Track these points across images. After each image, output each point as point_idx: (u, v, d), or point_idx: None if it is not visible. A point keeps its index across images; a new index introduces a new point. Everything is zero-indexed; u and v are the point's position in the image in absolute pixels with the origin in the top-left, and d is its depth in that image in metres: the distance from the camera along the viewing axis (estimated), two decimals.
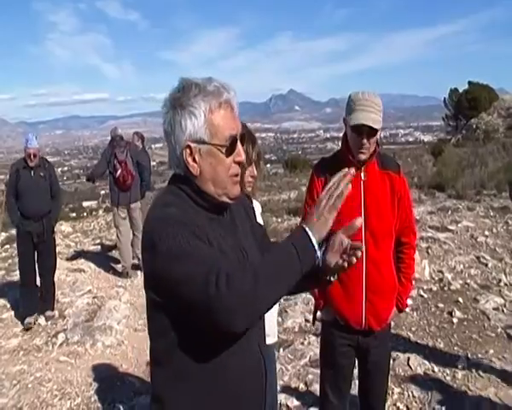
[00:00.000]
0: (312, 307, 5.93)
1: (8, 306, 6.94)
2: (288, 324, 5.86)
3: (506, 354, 4.84)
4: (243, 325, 1.47)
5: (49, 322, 6.48)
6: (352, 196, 2.64)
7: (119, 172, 7.98)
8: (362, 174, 2.75)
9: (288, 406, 4.25)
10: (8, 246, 10.40)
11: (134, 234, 8.51)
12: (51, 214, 6.44)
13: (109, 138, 8.42)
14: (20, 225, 6.28)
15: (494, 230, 8.99)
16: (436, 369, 4.64)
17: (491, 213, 10.15)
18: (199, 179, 1.64)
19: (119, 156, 7.98)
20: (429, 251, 7.81)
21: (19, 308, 6.57)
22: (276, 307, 3.34)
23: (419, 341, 5.25)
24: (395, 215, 2.83)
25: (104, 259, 9.35)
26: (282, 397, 4.26)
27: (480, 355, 4.85)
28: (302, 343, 5.34)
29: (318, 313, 3.12)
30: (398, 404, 4.19)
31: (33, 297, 6.43)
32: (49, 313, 6.58)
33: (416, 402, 4.21)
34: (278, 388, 3.96)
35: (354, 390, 3.24)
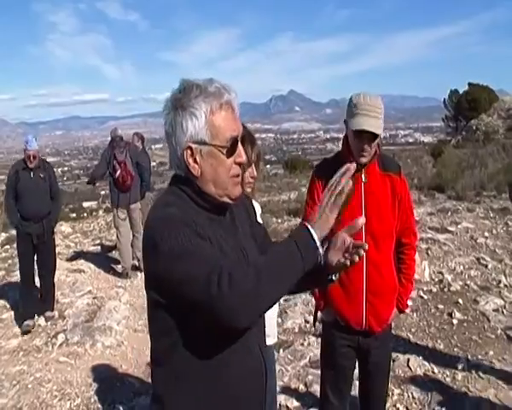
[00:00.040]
0: (312, 308, 5.95)
1: (8, 306, 6.94)
2: (288, 324, 5.86)
3: (506, 355, 4.85)
4: (246, 323, 1.49)
5: (49, 322, 6.47)
6: (352, 198, 2.64)
7: (118, 172, 7.96)
8: (362, 176, 2.75)
9: (287, 407, 4.26)
10: (8, 246, 10.39)
11: (134, 235, 8.50)
12: (51, 216, 6.42)
13: (109, 139, 8.40)
14: (19, 226, 6.26)
15: (494, 231, 8.99)
16: (436, 370, 4.64)
17: (491, 215, 10.15)
18: (200, 180, 1.65)
19: (118, 157, 7.96)
20: (429, 252, 7.81)
21: (19, 309, 6.56)
22: (276, 308, 3.35)
23: (419, 342, 5.25)
24: (396, 217, 2.83)
25: (104, 259, 9.34)
26: (281, 398, 4.26)
27: (479, 357, 4.86)
28: (302, 344, 5.35)
29: (319, 314, 3.13)
30: (398, 405, 4.19)
31: (33, 299, 6.43)
32: (48, 313, 6.57)
33: (415, 403, 4.21)
34: (278, 389, 3.96)
35: (354, 391, 3.24)
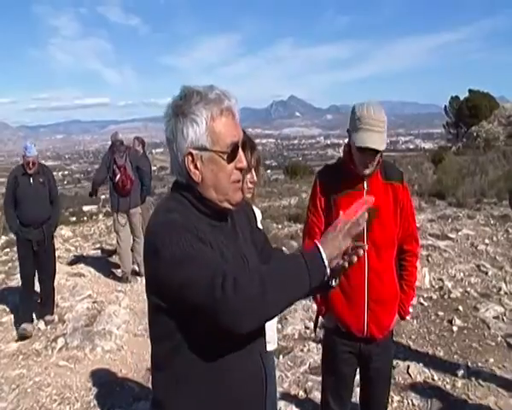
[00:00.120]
0: (312, 314, 5.95)
1: (8, 310, 6.93)
2: (288, 331, 5.86)
3: (506, 362, 4.84)
4: (247, 328, 1.48)
5: (49, 326, 6.45)
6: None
7: (117, 177, 7.94)
8: (365, 184, 2.75)
9: None
10: (8, 249, 10.39)
11: (134, 239, 8.49)
12: (51, 221, 6.39)
13: (110, 143, 8.40)
14: (19, 232, 6.23)
15: (494, 238, 8.99)
16: (436, 377, 4.63)
17: (492, 222, 10.16)
18: (201, 186, 1.65)
19: (118, 161, 7.94)
20: (429, 259, 7.82)
21: (18, 312, 6.55)
22: None
23: (419, 349, 5.24)
24: (397, 225, 2.83)
25: (104, 263, 9.34)
26: (281, 404, 4.25)
27: (479, 364, 4.85)
28: (302, 350, 5.34)
29: (320, 320, 3.13)
30: None
31: (32, 303, 6.42)
32: (48, 317, 6.55)
33: None
34: (278, 395, 3.95)
35: (354, 398, 3.24)
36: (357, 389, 3.19)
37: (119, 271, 8.53)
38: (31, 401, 4.79)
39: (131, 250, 8.45)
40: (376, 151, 2.62)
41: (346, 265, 1.60)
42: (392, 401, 4.22)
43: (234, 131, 1.65)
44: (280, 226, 11.60)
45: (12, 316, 6.70)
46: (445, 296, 6.52)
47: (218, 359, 1.61)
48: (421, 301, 6.35)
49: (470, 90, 32.27)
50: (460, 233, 9.30)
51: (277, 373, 4.43)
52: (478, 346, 5.22)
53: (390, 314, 2.92)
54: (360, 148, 2.61)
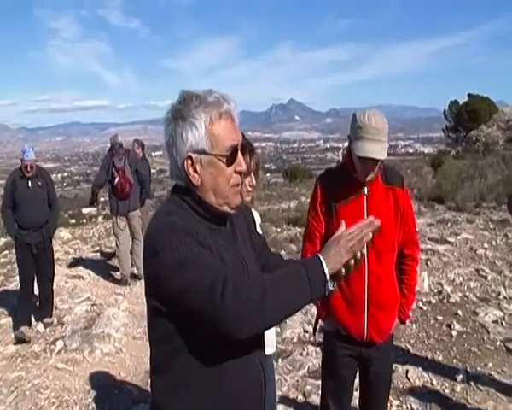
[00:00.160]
0: (311, 318, 5.96)
1: (7, 312, 6.93)
2: (287, 334, 5.85)
3: (505, 367, 4.83)
4: (246, 334, 1.48)
5: (48, 329, 6.46)
6: (354, 212, 2.64)
7: (116, 180, 7.93)
8: (365, 189, 2.75)
9: None
10: (7, 252, 10.39)
11: (133, 242, 8.49)
12: (49, 224, 6.38)
13: (109, 146, 8.39)
14: (17, 236, 6.21)
15: (493, 242, 8.99)
16: (435, 382, 4.63)
17: (491, 226, 10.16)
18: (200, 190, 1.66)
19: (116, 164, 7.93)
20: (428, 263, 7.82)
21: (17, 315, 6.53)
22: None
23: (418, 353, 5.24)
24: (398, 229, 2.83)
25: (103, 266, 9.34)
26: (280, 408, 4.25)
27: (479, 368, 4.84)
28: (301, 354, 5.33)
29: (320, 323, 3.13)
30: None
31: (31, 306, 6.40)
32: (47, 319, 6.55)
33: None
34: (276, 398, 3.95)
35: (353, 402, 3.23)
36: (356, 393, 3.19)
37: (118, 273, 8.52)
38: (29, 403, 4.79)
39: (130, 253, 8.44)
40: (377, 160, 2.62)
41: (343, 271, 1.56)
42: (391, 405, 4.21)
43: (233, 134, 1.66)
44: (279, 230, 11.60)
45: (10, 318, 6.70)
46: (444, 301, 6.52)
47: (218, 363, 1.61)
48: (421, 305, 6.35)
49: (469, 95, 32.31)
50: (459, 237, 9.31)
51: (276, 377, 4.43)
52: (477, 350, 5.22)
53: (390, 319, 2.92)
54: (361, 157, 2.61)
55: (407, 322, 3.30)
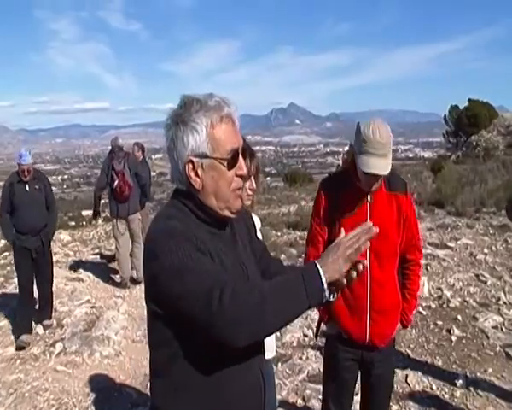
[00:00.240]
0: (311, 322, 5.96)
1: (6, 314, 6.90)
2: (287, 338, 5.84)
3: (505, 372, 4.83)
4: (244, 342, 1.48)
5: (47, 331, 6.44)
6: (357, 219, 2.64)
7: (115, 183, 7.91)
8: (368, 196, 2.75)
9: None
10: (6, 253, 10.37)
11: (133, 244, 8.48)
12: (48, 228, 6.33)
13: (110, 148, 8.38)
14: (16, 240, 6.14)
15: (493, 248, 8.98)
16: (434, 387, 4.63)
17: (491, 231, 10.16)
18: (201, 194, 1.66)
19: (116, 167, 7.92)
20: (428, 268, 7.81)
21: (16, 318, 6.51)
22: None
23: (417, 358, 5.24)
24: (400, 236, 2.83)
25: (103, 269, 9.33)
26: None
27: (478, 374, 4.84)
28: (300, 358, 5.33)
29: (322, 327, 3.13)
30: None
31: (30, 312, 6.33)
32: (46, 321, 6.53)
33: None
34: (277, 403, 3.94)
35: (354, 407, 3.23)
36: (357, 398, 3.19)
37: (118, 276, 8.52)
38: (28, 405, 4.78)
39: (130, 256, 8.44)
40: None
41: (345, 282, 1.56)
42: None
43: (234, 138, 1.66)
44: (279, 234, 11.60)
45: (10, 320, 6.68)
46: (444, 305, 6.52)
47: (217, 368, 1.61)
48: (420, 310, 6.34)
49: (470, 100, 32.34)
50: (459, 242, 9.30)
51: (276, 381, 4.42)
52: (477, 356, 5.22)
53: (392, 324, 2.92)
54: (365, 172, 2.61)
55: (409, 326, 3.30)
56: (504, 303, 6.53)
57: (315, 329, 3.29)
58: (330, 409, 3.06)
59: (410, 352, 5.36)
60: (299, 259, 8.66)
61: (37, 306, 6.61)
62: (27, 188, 6.10)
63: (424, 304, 6.53)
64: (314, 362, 5.17)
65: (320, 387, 4.16)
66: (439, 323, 6.01)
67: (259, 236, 2.34)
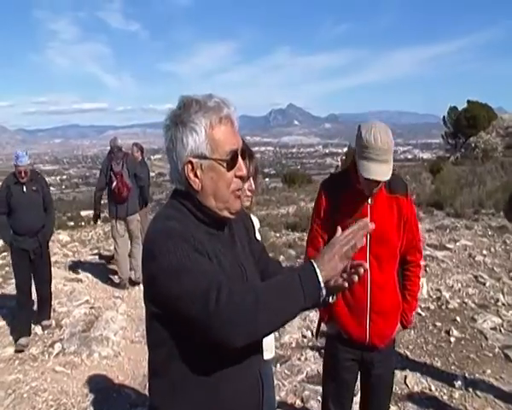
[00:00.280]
0: (309, 323, 5.96)
1: (4, 314, 6.89)
2: (285, 339, 5.84)
3: (503, 374, 4.83)
4: (241, 342, 1.48)
5: (46, 331, 6.44)
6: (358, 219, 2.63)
7: (114, 183, 7.91)
8: (369, 199, 2.75)
9: None
10: (5, 253, 10.37)
11: (131, 245, 8.48)
12: (45, 229, 6.29)
13: (108, 148, 8.37)
14: (13, 242, 6.10)
15: (492, 249, 8.99)
16: (433, 388, 4.63)
17: (490, 233, 10.16)
18: (200, 194, 1.66)
19: (114, 168, 7.90)
20: (427, 269, 7.82)
21: (15, 319, 6.48)
22: None
23: (416, 359, 5.24)
24: (401, 238, 2.83)
25: (102, 269, 9.33)
26: None
27: (477, 375, 4.84)
28: (299, 359, 5.33)
29: (322, 327, 3.13)
30: None
31: (28, 314, 6.29)
32: (45, 322, 6.53)
33: None
34: (275, 404, 3.95)
35: (353, 408, 3.23)
36: (356, 399, 3.19)
37: (117, 277, 8.51)
38: (27, 406, 4.78)
39: (129, 256, 8.43)
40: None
41: (346, 284, 1.56)
42: None
43: (233, 139, 1.66)
44: (278, 235, 11.61)
45: (8, 321, 6.67)
46: (443, 307, 6.52)
47: (215, 368, 1.61)
48: (419, 311, 6.34)
49: (468, 101, 32.36)
50: (458, 244, 9.31)
51: (274, 382, 4.43)
52: (475, 357, 5.22)
53: (392, 325, 2.93)
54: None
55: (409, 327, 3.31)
56: (503, 304, 6.53)
57: (315, 329, 3.29)
58: (330, 409, 3.06)
59: (408, 353, 5.36)
60: (298, 260, 8.67)
61: (35, 307, 6.61)
62: (24, 189, 6.06)
63: (423, 305, 6.53)
64: (313, 363, 5.17)
65: (319, 388, 4.18)
66: (438, 324, 6.01)
67: (258, 237, 2.34)
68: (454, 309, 6.43)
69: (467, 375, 4.84)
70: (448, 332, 5.77)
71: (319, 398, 4.31)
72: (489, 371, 4.89)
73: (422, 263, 7.57)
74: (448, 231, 10.45)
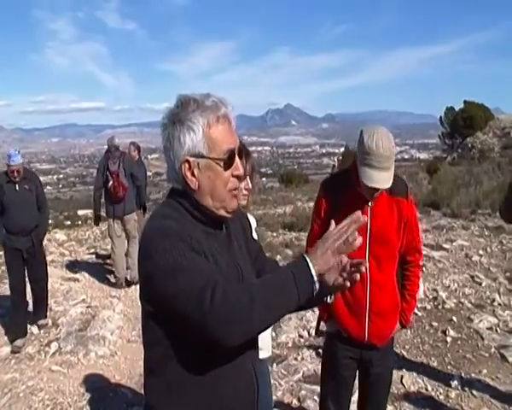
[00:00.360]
0: (306, 323, 5.97)
1: (0, 314, 6.87)
2: (282, 339, 5.85)
3: (499, 373, 4.85)
4: (236, 340, 1.49)
5: (42, 331, 6.41)
6: None
7: (110, 183, 7.89)
8: (369, 202, 2.74)
9: None
10: (1, 253, 10.35)
11: (128, 244, 8.46)
12: (39, 228, 6.22)
13: (105, 147, 8.34)
14: (6, 241, 6.05)
15: (488, 249, 9.02)
16: (429, 388, 4.64)
17: (486, 233, 10.19)
18: (197, 193, 1.66)
19: (111, 167, 7.88)
20: (424, 269, 7.81)
21: (11, 319, 6.45)
22: None
23: (413, 359, 5.25)
24: (401, 239, 2.83)
25: (98, 268, 9.32)
26: None
27: (473, 375, 4.85)
28: (296, 359, 5.33)
29: (322, 325, 3.14)
30: None
31: (24, 315, 6.25)
32: (41, 321, 6.49)
33: None
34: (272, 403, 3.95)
35: (351, 407, 3.24)
36: (353, 398, 3.19)
37: (114, 276, 8.49)
38: (23, 405, 4.76)
39: (125, 255, 8.42)
40: None
41: (348, 284, 1.56)
42: None
43: (230, 138, 1.66)
44: (275, 234, 11.61)
45: (4, 321, 6.63)
46: (439, 307, 6.54)
47: (210, 367, 1.61)
48: (416, 311, 6.33)
49: (465, 102, 32.44)
50: (454, 244, 9.34)
51: (271, 381, 4.43)
52: (471, 357, 5.23)
53: (391, 325, 2.94)
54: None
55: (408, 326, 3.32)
56: (499, 304, 6.56)
57: (314, 327, 3.29)
58: (329, 407, 3.06)
59: (405, 353, 5.37)
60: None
61: (31, 307, 6.56)
62: (17, 188, 5.98)
63: (419, 305, 6.53)
64: (309, 363, 5.18)
65: (315, 387, 4.18)
66: (435, 324, 6.02)
67: (255, 236, 2.35)
68: (450, 309, 6.45)
69: (463, 375, 4.86)
70: (444, 332, 5.78)
71: (316, 397, 4.32)
72: (485, 371, 4.90)
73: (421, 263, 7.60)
74: (445, 231, 10.48)
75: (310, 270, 1.49)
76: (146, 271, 1.58)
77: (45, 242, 7.45)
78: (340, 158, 29.32)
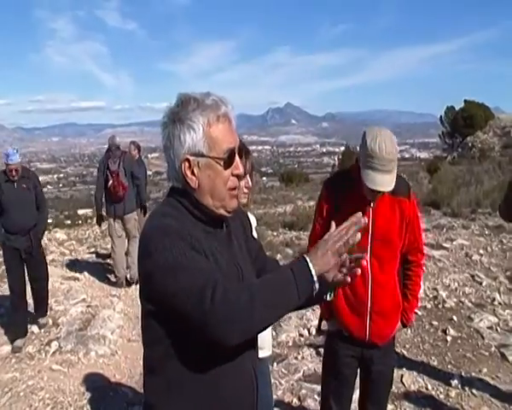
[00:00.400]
0: (306, 322, 5.97)
1: (0, 313, 6.88)
2: (282, 338, 5.85)
3: (499, 373, 4.85)
4: (236, 339, 1.49)
5: (43, 330, 6.41)
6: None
7: (110, 182, 7.89)
8: (371, 203, 2.74)
9: None
10: (0, 252, 10.34)
11: (128, 243, 8.46)
12: (38, 227, 6.17)
13: (106, 147, 8.34)
14: (5, 241, 6.02)
15: (489, 248, 9.01)
16: (429, 387, 4.63)
17: (486, 232, 10.19)
18: (197, 192, 1.66)
19: (111, 167, 7.88)
20: (424, 268, 7.82)
21: (10, 318, 6.43)
22: None
23: (413, 358, 5.24)
24: (402, 239, 2.83)
25: (99, 267, 9.33)
26: None
27: (473, 374, 4.85)
28: (296, 358, 5.33)
29: (323, 323, 3.14)
30: None
31: (23, 315, 6.22)
32: (42, 320, 6.49)
33: None
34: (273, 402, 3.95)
35: (353, 405, 3.24)
36: (354, 397, 3.19)
37: (114, 275, 8.49)
38: (23, 404, 4.76)
39: (126, 254, 8.42)
40: None
41: (349, 279, 1.55)
42: None
43: (230, 137, 1.66)
44: (275, 233, 11.61)
45: (4, 320, 6.64)
46: (440, 306, 6.54)
47: (210, 366, 1.62)
48: (416, 310, 6.35)
49: (466, 101, 32.42)
50: (454, 243, 9.33)
51: (271, 381, 4.43)
52: (472, 356, 5.23)
53: (392, 325, 2.95)
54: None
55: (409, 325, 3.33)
56: (499, 304, 6.55)
57: (316, 325, 3.30)
58: (331, 406, 3.06)
59: (405, 352, 5.37)
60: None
61: (31, 306, 6.55)
62: (16, 186, 5.94)
63: (420, 304, 6.54)
64: (310, 362, 5.18)
65: (316, 386, 4.19)
66: (435, 323, 6.02)
67: (255, 235, 2.35)
68: (451, 308, 6.45)
69: (463, 374, 4.86)
70: (444, 331, 5.78)
71: (316, 396, 4.32)
72: (485, 370, 4.90)
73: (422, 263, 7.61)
74: (445, 230, 10.47)
75: (310, 270, 1.49)
76: (146, 269, 1.57)
77: (45, 241, 7.44)
78: (341, 157, 29.31)
